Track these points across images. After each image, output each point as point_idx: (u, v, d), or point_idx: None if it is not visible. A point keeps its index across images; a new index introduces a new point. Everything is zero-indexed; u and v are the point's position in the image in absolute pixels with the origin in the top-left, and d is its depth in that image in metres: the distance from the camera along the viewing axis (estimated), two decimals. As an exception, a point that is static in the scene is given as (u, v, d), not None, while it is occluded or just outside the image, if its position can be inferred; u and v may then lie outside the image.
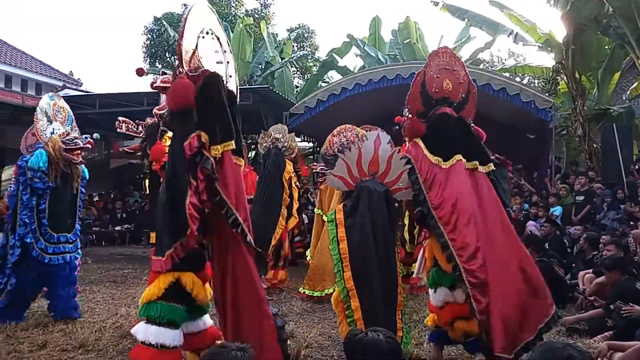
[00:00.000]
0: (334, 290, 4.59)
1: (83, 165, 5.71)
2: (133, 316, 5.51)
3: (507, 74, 13.83)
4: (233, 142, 3.30)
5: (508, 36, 12.51)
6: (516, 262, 3.71)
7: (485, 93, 10.36)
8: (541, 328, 3.61)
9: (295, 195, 7.29)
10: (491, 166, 4.02)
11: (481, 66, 16.47)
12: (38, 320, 5.38)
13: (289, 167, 6.96)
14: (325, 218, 5.69)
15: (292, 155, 7.20)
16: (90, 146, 5.73)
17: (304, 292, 6.50)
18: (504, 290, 3.54)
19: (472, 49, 17.74)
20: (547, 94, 11.83)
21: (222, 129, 3.24)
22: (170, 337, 3.19)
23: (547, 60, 22.58)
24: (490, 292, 3.48)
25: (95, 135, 8.34)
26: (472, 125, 4.25)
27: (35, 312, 5.75)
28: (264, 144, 7.14)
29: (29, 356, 4.28)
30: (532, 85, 16.89)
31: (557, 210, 9.02)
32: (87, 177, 5.83)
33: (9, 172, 15.24)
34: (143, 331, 3.20)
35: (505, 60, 26.22)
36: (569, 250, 8.00)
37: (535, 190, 10.60)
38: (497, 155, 4.33)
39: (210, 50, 3.42)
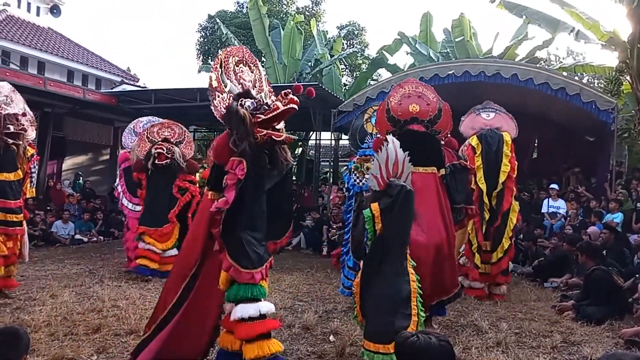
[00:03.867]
0: None
1: None
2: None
3: (565, 73, 13.26)
4: None
5: (569, 34, 11.96)
6: (439, 243, 4.76)
7: (543, 92, 9.99)
8: (445, 300, 4.91)
9: None
10: (443, 171, 5.13)
11: (538, 65, 15.82)
12: (93, 304, 5.62)
13: None
14: None
15: None
16: None
17: None
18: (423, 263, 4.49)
19: (530, 47, 17.05)
20: (609, 95, 11.26)
21: None
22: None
23: (610, 59, 21.50)
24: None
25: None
26: (449, 135, 5.49)
27: (91, 297, 6.02)
28: None
29: (84, 339, 4.46)
30: (592, 85, 16.13)
31: (617, 218, 8.56)
32: None
33: (69, 161, 15.92)
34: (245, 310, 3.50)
35: (563, 59, 25.17)
36: (629, 259, 7.58)
37: (594, 195, 10.12)
38: (462, 162, 5.61)
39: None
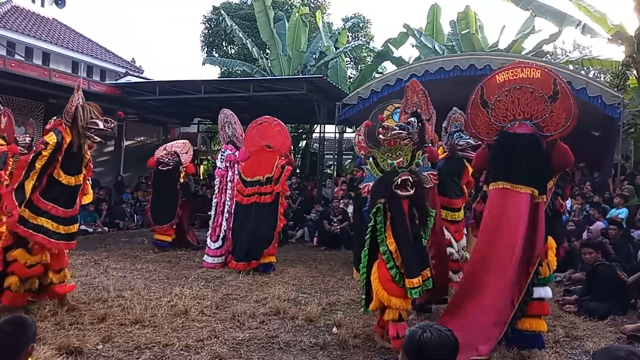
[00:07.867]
0: None
1: None
2: (187, 296, 5.71)
3: (571, 67, 13.19)
4: None
5: (575, 27, 11.91)
6: None
7: (548, 87, 9.93)
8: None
9: None
10: None
11: (544, 59, 15.73)
12: (99, 294, 5.67)
13: None
14: None
15: None
16: None
17: None
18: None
19: (536, 40, 16.97)
20: (615, 89, 11.20)
21: None
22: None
23: (616, 53, 21.36)
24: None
25: None
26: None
27: (96, 287, 6.07)
28: None
29: (90, 328, 4.51)
30: (598, 79, 16.01)
31: (622, 213, 8.54)
32: None
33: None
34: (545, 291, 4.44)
35: (570, 52, 25.00)
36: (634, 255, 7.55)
37: (596, 190, 10.07)
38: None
39: None
